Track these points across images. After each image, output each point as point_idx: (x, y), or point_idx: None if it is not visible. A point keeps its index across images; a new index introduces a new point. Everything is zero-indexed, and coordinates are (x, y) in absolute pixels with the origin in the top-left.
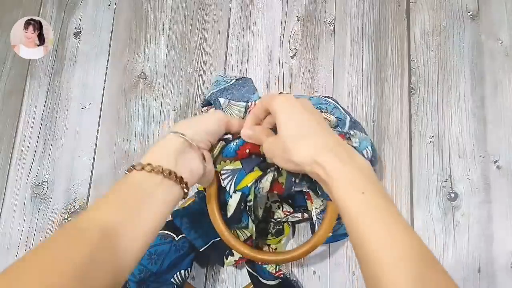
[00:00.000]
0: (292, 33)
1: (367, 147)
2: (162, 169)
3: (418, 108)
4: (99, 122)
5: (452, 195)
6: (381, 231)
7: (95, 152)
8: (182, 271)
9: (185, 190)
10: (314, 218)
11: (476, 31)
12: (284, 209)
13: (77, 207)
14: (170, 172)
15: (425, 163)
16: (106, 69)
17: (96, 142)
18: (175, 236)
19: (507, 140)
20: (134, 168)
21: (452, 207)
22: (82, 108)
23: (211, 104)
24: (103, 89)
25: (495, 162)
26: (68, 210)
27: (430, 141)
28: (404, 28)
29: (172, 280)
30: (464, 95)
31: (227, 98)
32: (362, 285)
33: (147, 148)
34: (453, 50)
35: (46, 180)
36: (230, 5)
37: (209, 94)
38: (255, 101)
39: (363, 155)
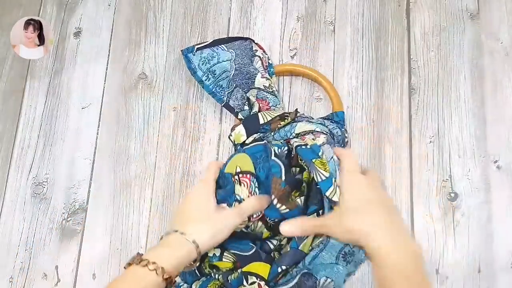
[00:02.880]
0: (292, 33)
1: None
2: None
3: (418, 108)
4: (99, 122)
5: (452, 195)
6: None
7: (95, 152)
8: None
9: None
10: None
11: (476, 31)
12: None
13: (77, 207)
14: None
15: (425, 163)
16: (106, 69)
17: (96, 142)
18: None
19: (507, 140)
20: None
21: (452, 207)
22: (82, 108)
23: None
24: (103, 89)
25: (495, 162)
26: (68, 210)
27: (430, 141)
28: (404, 28)
29: None
30: (464, 95)
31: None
32: None
33: (147, 148)
34: (453, 50)
35: (46, 180)
36: (230, 5)
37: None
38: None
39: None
